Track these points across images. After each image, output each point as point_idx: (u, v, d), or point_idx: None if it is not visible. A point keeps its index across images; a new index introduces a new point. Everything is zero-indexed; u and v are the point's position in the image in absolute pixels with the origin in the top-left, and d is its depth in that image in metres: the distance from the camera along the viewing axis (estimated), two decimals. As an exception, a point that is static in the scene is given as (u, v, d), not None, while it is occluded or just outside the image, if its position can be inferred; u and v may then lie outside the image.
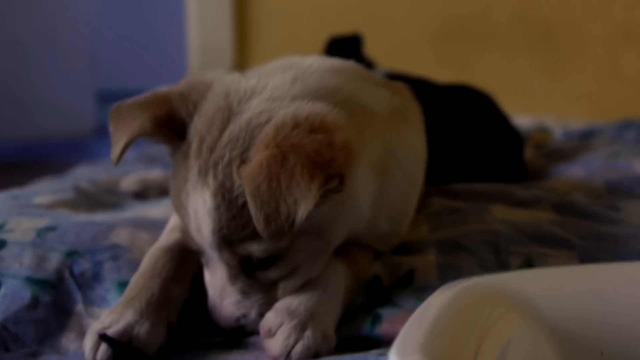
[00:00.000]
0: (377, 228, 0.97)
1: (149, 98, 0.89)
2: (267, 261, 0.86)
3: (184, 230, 0.89)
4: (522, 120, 2.02)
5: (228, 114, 0.86)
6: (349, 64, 1.01)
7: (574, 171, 1.49)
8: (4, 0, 3.58)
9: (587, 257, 0.98)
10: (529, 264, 0.97)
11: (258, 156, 0.80)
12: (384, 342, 0.85)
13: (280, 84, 0.89)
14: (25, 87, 3.65)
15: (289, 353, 0.81)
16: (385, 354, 0.75)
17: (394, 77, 1.65)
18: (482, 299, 0.74)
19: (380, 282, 0.94)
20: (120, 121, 0.88)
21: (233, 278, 0.87)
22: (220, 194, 0.82)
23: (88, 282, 0.95)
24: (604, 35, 2.58)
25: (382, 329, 0.86)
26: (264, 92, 0.88)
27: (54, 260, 0.97)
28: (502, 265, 0.96)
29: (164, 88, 0.91)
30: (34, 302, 0.92)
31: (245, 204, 0.80)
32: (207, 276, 0.90)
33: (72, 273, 0.96)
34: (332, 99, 0.88)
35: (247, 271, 0.87)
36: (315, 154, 0.78)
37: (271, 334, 0.82)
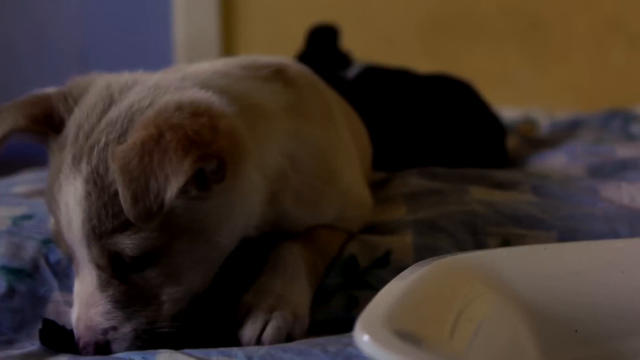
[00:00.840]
0: (297, 222, 0.94)
1: (27, 98, 0.86)
2: (141, 262, 0.78)
3: (55, 229, 0.83)
4: (509, 112, 2.02)
5: (109, 102, 0.82)
6: (240, 62, 0.96)
7: (557, 158, 1.49)
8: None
9: (565, 238, 0.98)
10: (506, 244, 0.96)
11: (134, 136, 0.75)
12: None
13: (166, 78, 0.86)
14: (14, 86, 3.64)
15: (259, 337, 0.79)
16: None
17: (373, 69, 1.67)
18: (456, 275, 0.73)
19: (356, 263, 0.94)
20: None
21: (104, 284, 0.79)
22: (92, 180, 0.77)
23: (64, 270, 0.93)
24: (591, 27, 2.58)
25: (359, 311, 0.85)
26: (147, 82, 0.85)
27: (30, 248, 0.95)
28: (479, 246, 0.96)
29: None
30: (10, 292, 0.90)
31: (117, 192, 0.74)
32: (76, 286, 0.82)
33: (47, 261, 0.93)
34: (229, 97, 0.84)
35: (120, 275, 0.79)
36: (194, 133, 0.74)
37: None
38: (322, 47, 1.80)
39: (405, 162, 1.36)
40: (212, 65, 0.94)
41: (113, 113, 0.81)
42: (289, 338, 0.81)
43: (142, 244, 0.77)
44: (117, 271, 0.79)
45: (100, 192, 0.77)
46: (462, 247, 0.95)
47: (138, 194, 0.72)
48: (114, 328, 0.79)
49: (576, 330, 0.75)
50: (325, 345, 0.75)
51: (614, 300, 0.77)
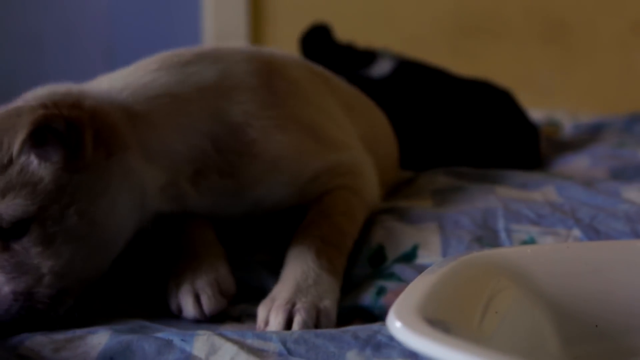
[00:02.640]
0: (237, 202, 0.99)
1: None
2: (18, 228, 0.83)
3: None
4: (533, 114, 2.03)
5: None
6: (166, 54, 1.02)
7: (580, 160, 1.52)
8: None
9: (587, 237, 1.00)
10: (529, 242, 0.99)
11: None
12: (387, 312, 0.88)
13: (75, 86, 0.96)
14: (41, 81, 3.68)
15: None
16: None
17: (409, 64, 1.69)
18: (482, 269, 0.76)
19: (384, 253, 0.97)
20: None
21: None
22: None
23: None
24: (615, 30, 2.59)
25: (387, 299, 0.89)
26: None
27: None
28: (503, 244, 0.99)
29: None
30: None
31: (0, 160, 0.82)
32: None
33: None
34: (119, 94, 0.93)
35: (3, 241, 0.84)
36: (51, 103, 0.84)
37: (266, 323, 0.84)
38: (319, 46, 1.80)
39: (439, 162, 1.39)
40: (134, 65, 1.01)
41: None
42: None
43: (16, 210, 0.82)
44: (1, 237, 0.84)
45: None
46: (485, 244, 0.98)
47: None
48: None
49: (596, 325, 0.78)
50: (356, 332, 0.78)
51: (633, 297, 0.79)
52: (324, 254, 0.92)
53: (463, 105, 1.57)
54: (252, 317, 0.89)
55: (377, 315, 0.89)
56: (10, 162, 0.82)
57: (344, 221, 0.99)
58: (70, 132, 0.84)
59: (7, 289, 0.83)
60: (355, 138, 1.12)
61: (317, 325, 0.84)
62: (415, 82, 1.60)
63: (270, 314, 0.85)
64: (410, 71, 1.64)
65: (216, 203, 1.00)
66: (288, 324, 0.84)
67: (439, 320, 0.62)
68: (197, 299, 0.89)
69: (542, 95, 2.57)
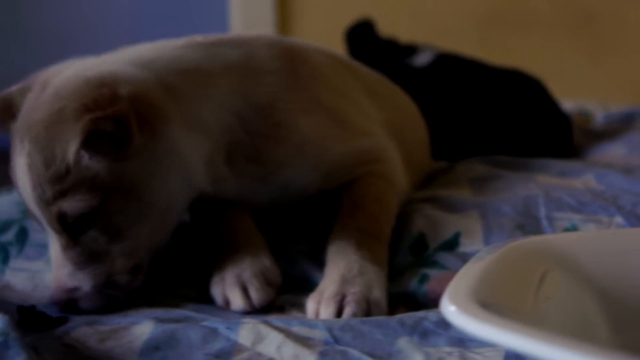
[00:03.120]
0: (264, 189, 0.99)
1: None
2: (83, 222, 0.86)
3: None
4: (563, 105, 2.02)
5: (44, 85, 0.90)
6: (196, 37, 1.03)
7: (616, 149, 1.51)
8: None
9: (629, 224, 0.99)
10: (571, 230, 0.98)
11: (43, 111, 0.86)
12: (431, 300, 0.88)
13: (101, 58, 0.95)
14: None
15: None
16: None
17: (447, 57, 1.69)
18: (530, 255, 0.75)
19: (425, 241, 0.97)
20: None
21: (64, 247, 0.87)
22: (33, 151, 0.85)
23: None
24: (644, 19, 2.57)
25: (430, 285, 0.89)
26: (81, 63, 0.93)
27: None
28: (545, 232, 0.98)
29: None
30: None
31: (53, 160, 0.84)
32: (50, 250, 0.91)
33: None
34: (150, 67, 0.93)
35: (73, 237, 0.87)
36: (92, 102, 0.84)
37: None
38: (363, 41, 1.82)
39: (473, 151, 1.38)
40: (158, 42, 1.02)
41: (46, 94, 0.88)
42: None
43: (79, 206, 0.85)
44: (70, 234, 0.87)
45: (39, 163, 0.85)
46: (528, 232, 0.97)
47: (48, 159, 0.84)
48: (77, 288, 0.87)
49: (645, 312, 0.77)
50: (402, 319, 0.78)
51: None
52: (363, 244, 0.91)
53: (496, 95, 1.56)
54: (296, 306, 0.89)
55: (421, 302, 0.89)
56: (69, 170, 0.84)
57: (378, 210, 0.98)
58: (118, 129, 0.85)
59: (88, 285, 0.88)
60: (379, 124, 1.12)
61: (368, 316, 0.83)
62: (452, 72, 1.61)
63: (320, 306, 0.84)
64: (448, 62, 1.65)
65: (245, 188, 1.00)
66: (338, 316, 0.83)
67: (492, 304, 0.61)
68: (245, 291, 0.89)
69: (572, 85, 2.55)
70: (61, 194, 0.85)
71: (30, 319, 0.86)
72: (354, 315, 0.82)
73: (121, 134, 0.85)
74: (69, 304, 0.87)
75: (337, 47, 1.62)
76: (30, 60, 3.46)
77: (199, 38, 1.02)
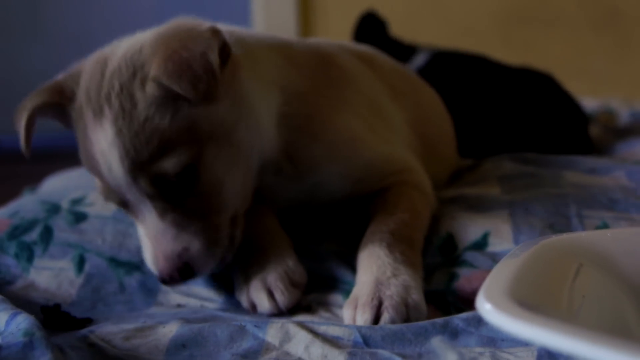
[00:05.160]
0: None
1: (38, 88, 0.91)
2: (185, 177, 0.84)
3: (101, 186, 0.88)
4: (587, 102, 2.00)
5: (104, 59, 0.88)
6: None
7: (643, 147, 1.49)
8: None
9: (663, 222, 0.98)
10: (604, 227, 0.96)
11: (159, 53, 0.83)
12: (461, 298, 0.86)
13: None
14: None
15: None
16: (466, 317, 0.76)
17: (443, 54, 1.68)
18: (563, 253, 0.74)
19: (454, 241, 0.95)
20: (18, 113, 0.90)
21: (162, 213, 0.85)
22: (119, 118, 0.82)
23: None
24: (670, 17, 2.54)
25: (459, 284, 0.87)
26: (135, 37, 0.91)
27: (135, 236, 0.99)
28: (576, 229, 0.96)
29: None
30: (121, 287, 0.95)
31: (146, 118, 0.82)
32: (141, 231, 0.88)
33: None
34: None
35: (172, 199, 0.84)
36: (206, 31, 0.84)
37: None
38: (372, 35, 1.82)
39: (489, 149, 1.37)
40: None
41: (112, 64, 0.86)
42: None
43: (181, 159, 0.82)
44: (167, 196, 0.84)
45: (129, 125, 0.82)
46: (558, 231, 0.95)
47: (192, 80, 0.80)
48: (186, 249, 0.84)
49: (680, 311, 0.75)
50: (433, 319, 0.77)
51: None
52: (395, 247, 0.88)
53: (504, 91, 1.54)
54: (324, 305, 0.88)
55: (450, 301, 0.87)
56: (214, 77, 0.81)
57: (412, 217, 0.96)
58: (223, 57, 0.84)
59: (197, 243, 0.85)
60: (399, 130, 1.11)
61: (407, 320, 0.79)
62: (448, 72, 1.58)
63: (356, 313, 0.81)
64: (444, 62, 1.63)
65: (277, 184, 0.99)
66: (376, 322, 0.79)
67: (527, 301, 0.60)
68: (271, 293, 0.87)
69: (596, 83, 2.53)
70: (159, 153, 0.82)
71: (55, 319, 0.86)
72: (392, 321, 0.79)
73: (223, 63, 0.84)
74: (184, 271, 0.84)
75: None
76: (50, 61, 3.47)
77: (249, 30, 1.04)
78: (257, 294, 0.88)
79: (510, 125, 1.49)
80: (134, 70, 0.84)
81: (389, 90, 1.14)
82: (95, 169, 0.86)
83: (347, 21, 2.66)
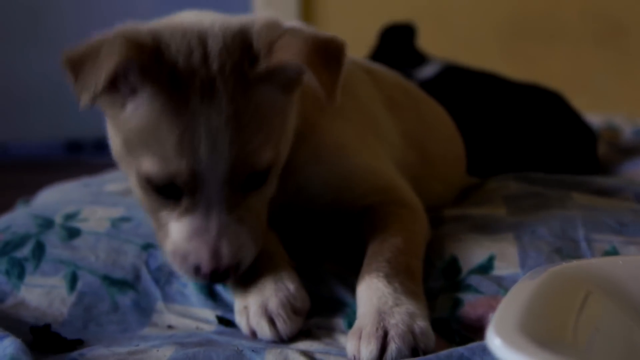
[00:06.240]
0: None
1: (122, 35, 0.86)
2: (266, 175, 0.85)
3: (180, 167, 0.81)
4: (590, 118, 1.98)
5: (202, 37, 0.84)
6: None
7: (650, 166, 1.46)
8: (76, 3, 3.63)
9: (673, 247, 0.95)
10: (612, 252, 0.94)
11: (291, 51, 0.81)
12: (464, 325, 0.84)
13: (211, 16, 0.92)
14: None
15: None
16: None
17: (455, 69, 1.66)
18: (573, 281, 0.72)
19: (458, 265, 0.92)
20: (95, 61, 0.82)
21: (231, 206, 0.83)
22: (235, 99, 0.81)
23: (166, 277, 0.93)
24: (674, 33, 2.53)
25: (464, 311, 0.85)
26: (211, 20, 0.88)
27: (130, 254, 0.96)
28: (584, 254, 0.93)
29: None
30: (114, 306, 0.91)
31: (257, 107, 0.82)
32: (192, 222, 0.83)
33: (148, 269, 0.94)
34: None
35: (244, 195, 0.84)
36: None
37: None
38: (397, 45, 1.80)
39: (496, 166, 1.35)
40: None
41: (213, 41, 0.83)
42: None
43: (271, 155, 0.84)
44: (245, 190, 0.84)
45: (245, 110, 0.81)
46: (566, 255, 0.93)
47: (255, 105, 0.81)
48: (241, 248, 0.84)
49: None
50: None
51: None
52: (394, 278, 0.83)
53: (513, 109, 1.52)
54: (325, 329, 0.85)
55: (455, 329, 0.84)
56: (276, 112, 0.84)
57: (403, 241, 0.91)
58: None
59: (252, 245, 0.85)
60: (392, 142, 1.08)
61: (415, 349, 0.75)
62: (458, 86, 1.57)
63: (361, 344, 0.75)
64: (455, 76, 1.61)
65: None
66: (382, 352, 0.74)
67: (539, 336, 0.58)
68: (272, 321, 0.83)
69: (599, 98, 2.51)
70: (264, 142, 0.82)
71: (44, 340, 0.83)
72: (399, 352, 0.74)
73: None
74: (234, 268, 0.83)
75: (358, 49, 1.58)
76: (49, 66, 3.45)
77: None
78: (257, 322, 0.83)
79: (518, 143, 1.48)
80: (241, 55, 0.83)
81: (387, 101, 1.11)
82: (184, 148, 0.81)
83: (347, 29, 2.65)
